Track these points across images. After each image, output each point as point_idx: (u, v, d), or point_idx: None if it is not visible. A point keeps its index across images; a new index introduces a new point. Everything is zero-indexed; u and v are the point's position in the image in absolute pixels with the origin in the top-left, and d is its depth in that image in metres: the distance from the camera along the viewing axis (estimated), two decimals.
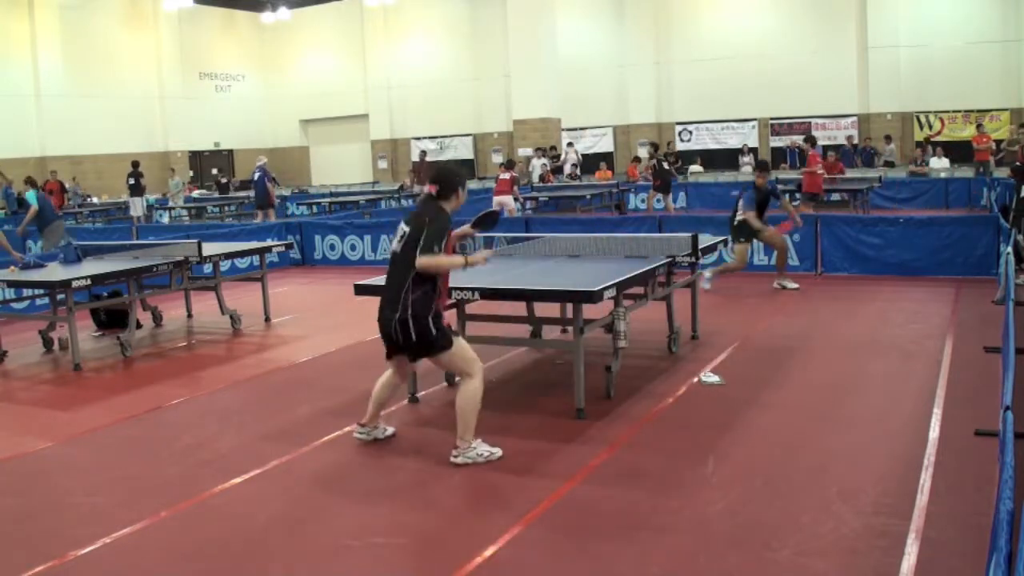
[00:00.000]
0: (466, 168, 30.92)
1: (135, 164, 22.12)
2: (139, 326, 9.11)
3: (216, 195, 25.92)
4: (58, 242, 12.25)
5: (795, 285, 10.28)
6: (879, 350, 7.22)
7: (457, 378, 5.22)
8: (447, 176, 5.02)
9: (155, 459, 5.35)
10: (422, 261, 4.74)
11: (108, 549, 4.08)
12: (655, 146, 20.30)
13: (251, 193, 26.95)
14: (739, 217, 10.07)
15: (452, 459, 4.89)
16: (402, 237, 4.90)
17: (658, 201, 19.06)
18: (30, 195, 13.40)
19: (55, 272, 8.53)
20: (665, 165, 19.65)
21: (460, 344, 4.97)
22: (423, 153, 26.95)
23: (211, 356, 8.39)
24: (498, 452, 4.98)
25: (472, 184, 25.78)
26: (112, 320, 9.47)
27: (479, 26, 30.53)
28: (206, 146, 32.59)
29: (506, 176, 16.67)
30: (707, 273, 10.01)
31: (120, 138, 28.53)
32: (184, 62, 30.94)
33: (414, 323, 4.77)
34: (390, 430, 5.43)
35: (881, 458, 4.80)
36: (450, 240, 4.93)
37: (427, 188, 5.02)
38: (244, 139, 33.70)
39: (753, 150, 26.17)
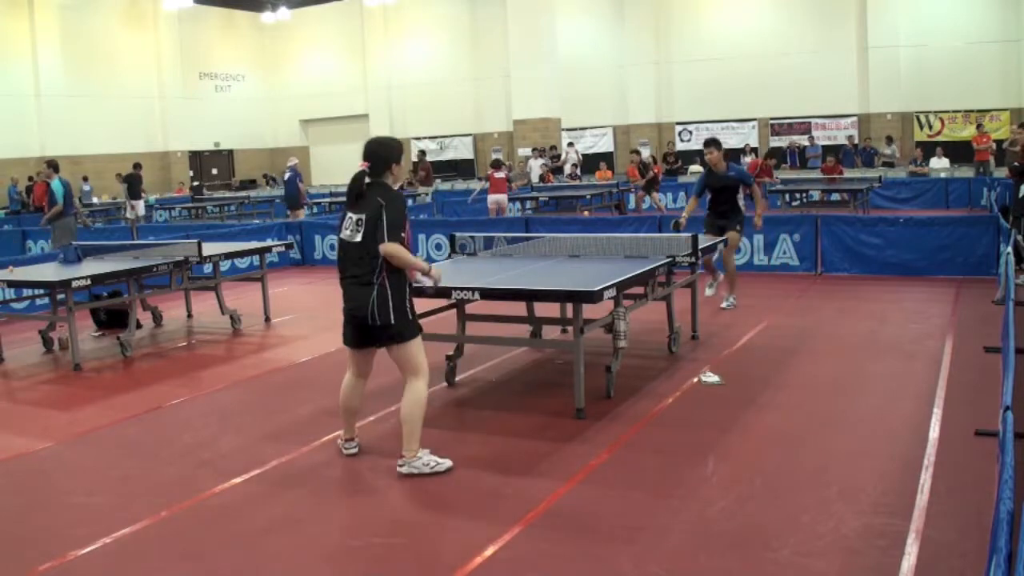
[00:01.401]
0: (466, 168, 30.99)
1: (135, 167, 21.92)
2: (139, 326, 9.11)
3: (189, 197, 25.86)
4: (68, 240, 11.50)
5: (728, 302, 9.15)
6: (879, 350, 7.22)
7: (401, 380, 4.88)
8: (376, 149, 4.70)
9: (155, 459, 5.35)
10: (388, 248, 4.52)
11: (108, 549, 4.08)
12: (637, 152, 20.42)
13: (251, 193, 27.10)
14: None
15: (398, 468, 4.76)
16: (358, 224, 4.61)
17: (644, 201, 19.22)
18: (56, 184, 12.42)
19: (55, 272, 8.53)
20: (650, 168, 19.72)
21: (420, 341, 4.82)
22: (422, 152, 26.94)
23: (211, 356, 8.39)
24: (447, 463, 4.80)
25: (473, 184, 25.83)
26: (112, 320, 9.47)
27: (479, 26, 30.54)
28: (206, 146, 32.61)
29: (500, 175, 16.74)
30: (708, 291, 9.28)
31: (120, 138, 28.54)
32: (184, 62, 30.95)
33: (393, 299, 4.60)
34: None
35: (881, 458, 4.80)
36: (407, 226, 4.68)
37: (359, 165, 4.68)
38: (244, 139, 33.74)
39: (755, 150, 26.18)
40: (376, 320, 4.63)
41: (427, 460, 4.79)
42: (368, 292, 4.62)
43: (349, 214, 4.72)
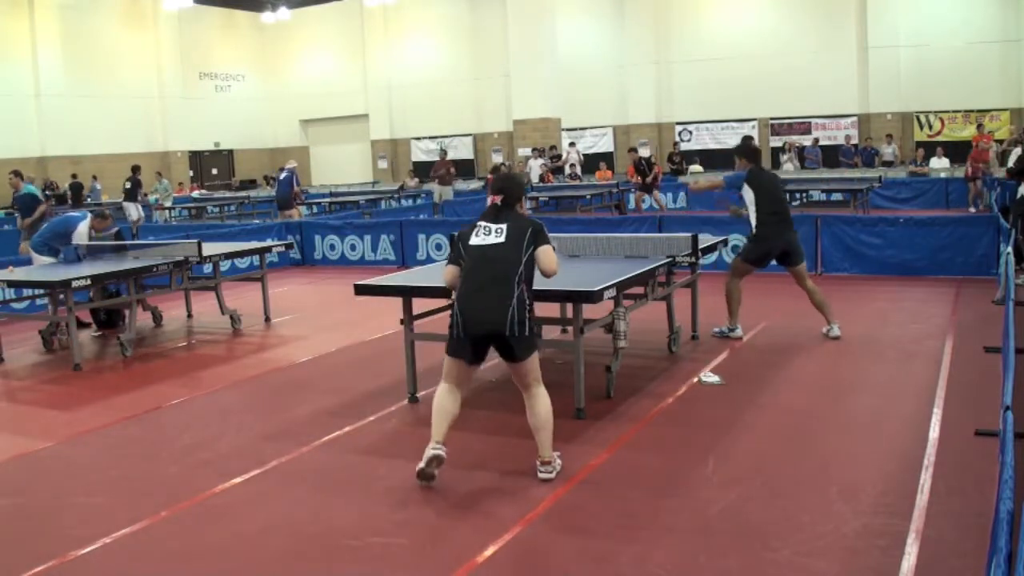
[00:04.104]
0: (466, 168, 30.96)
1: (134, 169, 21.64)
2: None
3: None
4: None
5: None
6: (879, 350, 7.22)
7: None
8: (510, 187, 4.85)
9: (155, 459, 5.35)
10: (555, 267, 4.73)
11: (108, 549, 4.08)
12: (634, 149, 20.37)
13: (251, 193, 27.06)
14: None
15: (546, 476, 4.63)
16: (499, 233, 4.66)
17: (644, 201, 19.20)
18: (31, 188, 12.92)
19: (55, 272, 8.53)
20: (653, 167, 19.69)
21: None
22: (443, 152, 26.55)
23: (211, 356, 8.39)
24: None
25: (473, 184, 25.85)
26: (112, 320, 9.47)
27: (479, 26, 30.53)
28: (206, 146, 32.60)
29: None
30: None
31: (120, 138, 28.52)
32: (184, 62, 30.93)
33: (529, 312, 4.63)
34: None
35: (881, 458, 4.80)
36: None
37: (491, 199, 4.78)
38: (244, 139, 33.72)
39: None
40: (513, 327, 4.54)
41: (557, 464, 4.76)
42: (507, 295, 4.55)
43: (485, 224, 4.72)
